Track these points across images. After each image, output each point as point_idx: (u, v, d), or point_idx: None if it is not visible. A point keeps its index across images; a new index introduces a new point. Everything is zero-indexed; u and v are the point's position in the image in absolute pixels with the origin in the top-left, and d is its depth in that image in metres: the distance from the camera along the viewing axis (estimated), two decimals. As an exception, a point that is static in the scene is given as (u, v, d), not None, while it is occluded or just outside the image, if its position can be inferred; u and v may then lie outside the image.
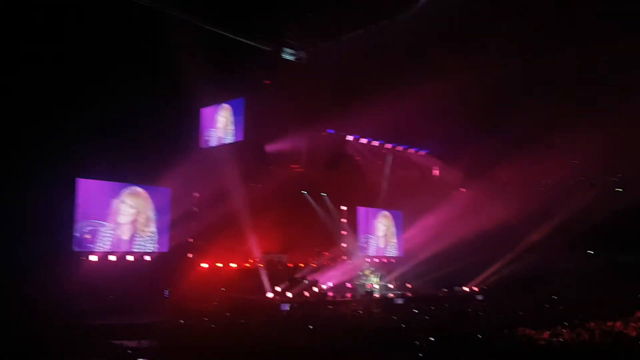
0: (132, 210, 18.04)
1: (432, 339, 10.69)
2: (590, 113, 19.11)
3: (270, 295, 17.18)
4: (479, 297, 21.25)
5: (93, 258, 16.93)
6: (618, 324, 12.60)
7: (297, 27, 18.42)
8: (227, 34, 18.04)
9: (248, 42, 18.54)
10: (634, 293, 17.92)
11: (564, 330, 11.64)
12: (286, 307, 15.24)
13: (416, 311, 16.81)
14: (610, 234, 21.89)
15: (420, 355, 8.96)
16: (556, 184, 24.23)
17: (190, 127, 19.61)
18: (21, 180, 15.15)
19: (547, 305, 18.10)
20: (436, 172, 26.22)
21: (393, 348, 9.91)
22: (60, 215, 16.40)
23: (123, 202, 17.90)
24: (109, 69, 15.89)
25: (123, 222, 17.87)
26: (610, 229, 21.52)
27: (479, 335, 11.20)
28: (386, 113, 19.14)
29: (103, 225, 17.38)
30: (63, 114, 15.73)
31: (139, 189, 18.33)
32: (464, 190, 25.46)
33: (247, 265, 20.48)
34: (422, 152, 25.76)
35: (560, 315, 15.10)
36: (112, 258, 17.31)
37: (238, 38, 18.41)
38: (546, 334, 11.35)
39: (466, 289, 22.42)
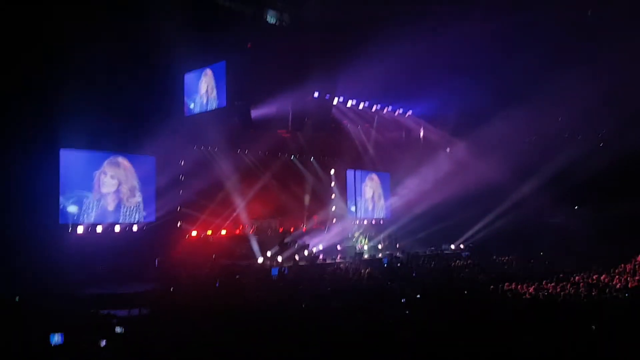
0: (113, 181, 17.84)
1: (419, 296, 10.87)
2: (574, 68, 19.05)
3: (260, 260, 17.25)
4: (466, 254, 21.61)
5: (79, 230, 16.81)
6: (603, 276, 12.87)
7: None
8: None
9: (229, 3, 17.99)
10: (619, 246, 18.27)
11: (550, 285, 11.85)
12: (276, 271, 15.36)
13: (399, 264, 17.10)
14: (596, 188, 22.13)
15: (407, 312, 9.08)
16: (542, 140, 24.34)
17: (173, 94, 19.15)
18: (3, 154, 14.84)
19: (532, 261, 18.42)
20: (422, 132, 26.15)
21: (382, 306, 10.03)
22: (44, 188, 16.14)
23: (104, 172, 17.67)
24: (89, 37, 15.34)
25: (106, 192, 17.70)
26: (596, 183, 21.74)
27: (464, 292, 11.39)
28: (372, 74, 18.87)
29: (87, 197, 17.20)
30: (43, 84, 15.30)
31: (119, 159, 18.04)
32: (450, 149, 25.48)
33: (237, 231, 20.53)
34: (408, 113, 25.60)
35: (547, 270, 15.41)
36: (99, 229, 17.21)
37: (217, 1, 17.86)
38: (531, 289, 11.57)
39: (453, 246, 22.74)
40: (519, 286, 12.05)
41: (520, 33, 18.61)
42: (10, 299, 10.13)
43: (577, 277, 13.09)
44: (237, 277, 13.52)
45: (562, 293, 10.85)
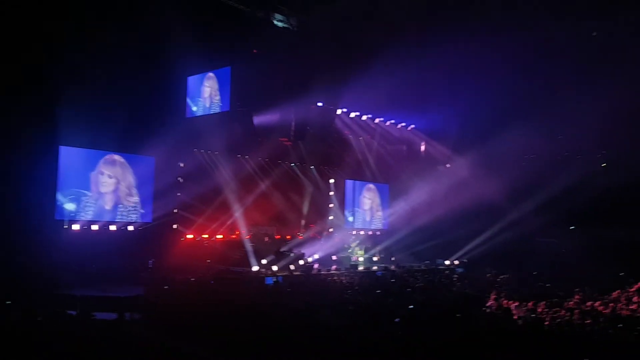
0: (111, 180, 17.81)
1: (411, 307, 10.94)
2: (578, 88, 19.08)
3: (255, 268, 17.18)
4: (460, 270, 21.55)
5: (75, 227, 16.76)
6: (597, 303, 12.78)
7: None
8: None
9: (237, 6, 17.98)
10: (615, 271, 18.19)
11: (544, 309, 11.78)
12: (271, 280, 15.29)
13: (393, 279, 17.03)
14: (595, 210, 22.06)
15: (400, 333, 9.01)
16: (541, 159, 24.32)
17: (175, 95, 19.13)
18: (3, 149, 14.82)
19: (527, 278, 18.33)
20: (423, 146, 26.16)
21: (373, 323, 9.96)
22: (42, 184, 16.13)
23: (101, 172, 17.63)
24: (92, 35, 15.35)
25: (105, 191, 17.66)
26: (595, 205, 21.68)
27: (456, 314, 11.30)
28: (377, 87, 18.89)
29: (85, 195, 17.16)
30: (45, 81, 15.29)
31: (116, 157, 17.99)
32: (450, 165, 25.49)
33: (234, 237, 20.47)
34: (411, 127, 25.62)
35: (540, 293, 15.31)
36: (95, 227, 17.14)
37: (227, 2, 17.82)
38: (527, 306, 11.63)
39: (448, 262, 22.70)
40: (510, 303, 12.10)
41: (525, 51, 18.65)
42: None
43: (571, 303, 13.02)
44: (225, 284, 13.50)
45: (557, 320, 10.77)
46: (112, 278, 15.65)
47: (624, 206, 21.29)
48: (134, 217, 18.22)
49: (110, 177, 17.74)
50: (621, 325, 10.02)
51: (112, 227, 17.61)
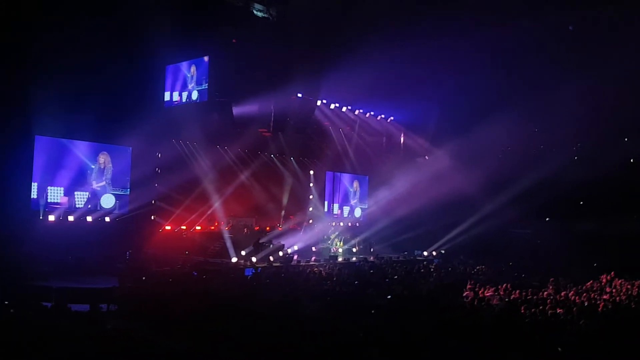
0: (89, 170, 17.55)
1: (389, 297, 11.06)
2: (555, 82, 19.37)
3: (234, 260, 17.10)
4: (437, 261, 21.78)
5: (51, 218, 16.45)
6: (571, 294, 13.06)
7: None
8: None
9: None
10: (589, 261, 18.60)
11: (516, 296, 12.02)
12: (250, 272, 15.24)
13: (372, 270, 17.17)
14: (569, 202, 22.48)
15: (377, 323, 9.08)
16: (517, 152, 24.66)
17: (153, 84, 18.84)
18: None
19: (504, 269, 18.64)
20: (403, 138, 26.30)
21: (352, 314, 10.03)
22: (17, 174, 15.80)
23: (80, 161, 17.34)
24: (70, 24, 15.01)
25: (82, 182, 17.37)
26: (569, 197, 22.09)
27: (435, 304, 11.44)
28: (356, 78, 18.88)
29: (61, 185, 16.85)
30: (21, 70, 14.92)
31: (97, 147, 17.74)
32: (428, 157, 25.71)
33: (212, 228, 20.34)
34: (390, 119, 25.73)
35: (516, 283, 15.59)
36: (71, 218, 16.86)
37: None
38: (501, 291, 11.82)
39: (426, 253, 22.94)
40: (488, 294, 12.27)
41: (503, 46, 18.85)
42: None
43: (545, 293, 13.27)
44: (204, 276, 13.46)
45: (531, 309, 10.97)
46: (88, 269, 15.44)
47: (598, 199, 21.73)
48: (111, 207, 17.97)
49: (87, 166, 17.46)
50: (593, 314, 10.26)
51: (89, 218, 17.34)
